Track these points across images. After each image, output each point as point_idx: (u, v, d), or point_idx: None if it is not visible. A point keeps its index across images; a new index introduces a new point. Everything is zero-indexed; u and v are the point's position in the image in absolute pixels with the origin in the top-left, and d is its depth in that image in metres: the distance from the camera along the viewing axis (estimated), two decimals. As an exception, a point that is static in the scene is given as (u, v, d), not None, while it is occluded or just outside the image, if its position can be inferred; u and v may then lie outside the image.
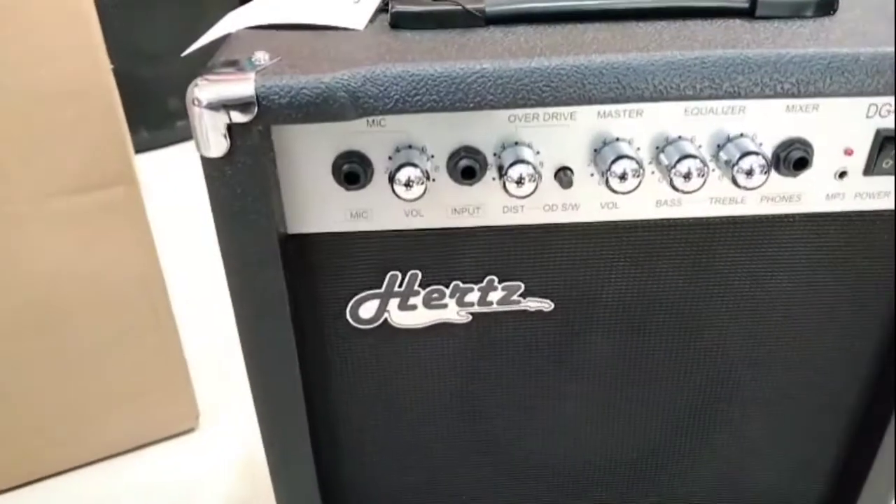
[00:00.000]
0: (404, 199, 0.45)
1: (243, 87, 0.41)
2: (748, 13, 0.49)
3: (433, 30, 0.48)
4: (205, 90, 0.41)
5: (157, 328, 0.80)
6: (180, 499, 0.80)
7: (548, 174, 0.47)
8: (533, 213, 0.49)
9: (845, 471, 0.62)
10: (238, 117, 0.41)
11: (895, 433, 0.57)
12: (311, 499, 0.58)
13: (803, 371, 0.56)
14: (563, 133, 0.46)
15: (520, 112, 0.46)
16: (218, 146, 0.42)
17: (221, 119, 0.41)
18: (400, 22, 0.48)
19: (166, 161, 1.56)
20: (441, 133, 0.46)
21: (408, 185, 0.44)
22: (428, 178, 0.45)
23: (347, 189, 0.46)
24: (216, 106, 0.41)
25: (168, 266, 0.85)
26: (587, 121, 0.46)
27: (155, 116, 1.56)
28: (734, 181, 0.45)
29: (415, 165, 0.44)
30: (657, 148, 0.47)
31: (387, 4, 0.50)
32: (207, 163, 0.43)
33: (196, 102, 0.41)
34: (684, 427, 0.59)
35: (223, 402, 0.90)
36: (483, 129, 0.46)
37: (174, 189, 1.25)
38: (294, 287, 0.49)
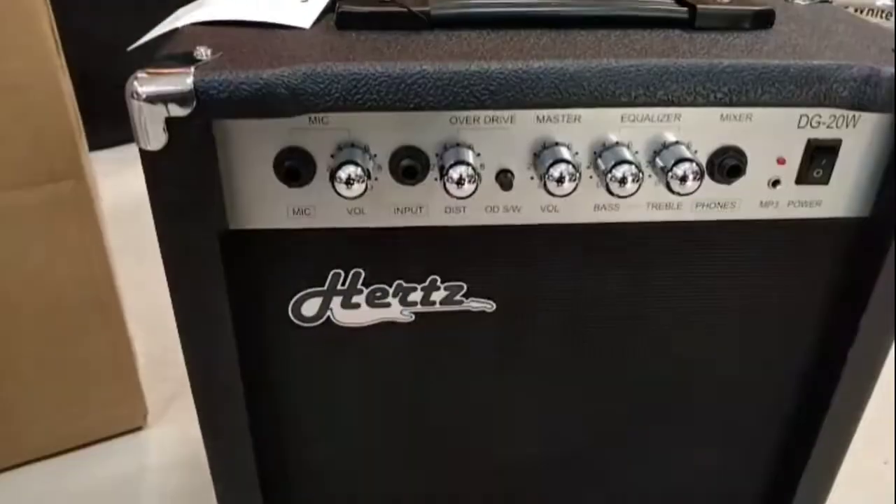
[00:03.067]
0: (345, 197, 0.45)
1: (182, 82, 0.41)
2: (688, 24, 0.51)
3: (378, 31, 0.49)
4: (144, 84, 0.41)
5: (107, 326, 0.79)
6: (127, 497, 0.79)
7: (489, 176, 0.48)
8: (475, 214, 0.50)
9: (782, 468, 0.63)
10: (177, 111, 0.41)
11: (832, 430, 0.59)
12: (252, 498, 0.58)
13: (738, 372, 0.57)
14: (504, 136, 0.47)
15: (461, 114, 0.46)
16: (157, 139, 0.42)
17: (160, 112, 0.41)
18: (346, 22, 0.49)
19: (130, 157, 1.53)
20: (384, 132, 0.47)
21: (348, 182, 0.45)
22: (369, 176, 0.46)
23: (289, 186, 0.47)
24: (155, 99, 0.41)
25: (126, 262, 0.84)
26: (527, 125, 0.47)
27: (119, 111, 1.54)
28: (668, 187, 0.46)
29: (356, 164, 0.45)
30: (595, 153, 0.48)
31: (334, 4, 0.50)
32: (146, 156, 0.43)
33: (135, 96, 0.41)
34: (623, 426, 0.60)
35: (172, 401, 0.89)
36: (425, 130, 0.47)
37: (136, 184, 1.24)
38: (235, 283, 0.49)
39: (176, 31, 0.50)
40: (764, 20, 0.51)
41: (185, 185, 0.44)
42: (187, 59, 0.43)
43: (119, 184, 1.13)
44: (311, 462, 0.59)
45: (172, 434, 0.86)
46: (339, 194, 0.45)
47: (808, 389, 0.59)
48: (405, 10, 0.49)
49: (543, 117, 0.47)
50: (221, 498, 0.58)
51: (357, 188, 0.45)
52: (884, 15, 1.64)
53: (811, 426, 0.59)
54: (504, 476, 0.62)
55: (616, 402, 0.58)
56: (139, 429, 0.87)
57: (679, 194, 0.46)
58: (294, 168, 0.46)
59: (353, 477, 0.61)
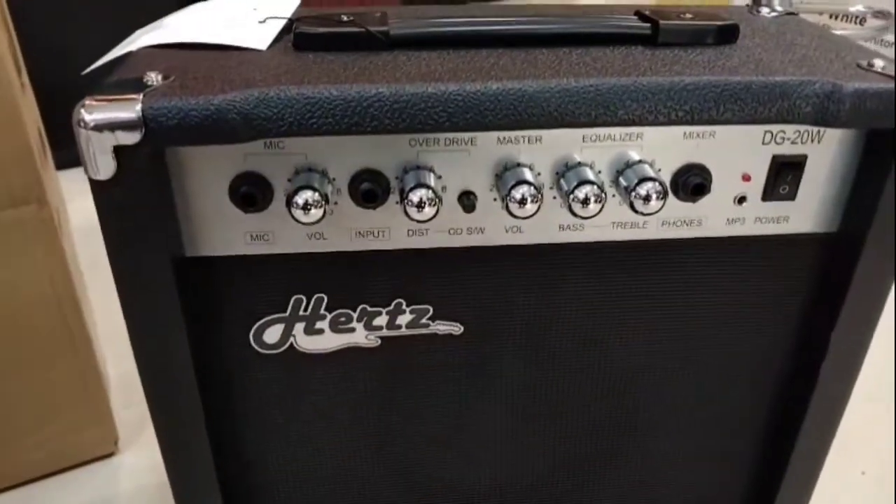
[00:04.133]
0: (303, 223, 0.44)
1: (130, 109, 0.40)
2: (650, 40, 0.50)
3: (336, 52, 0.48)
4: (91, 111, 0.40)
5: (73, 351, 0.77)
6: (96, 526, 0.78)
7: (451, 198, 0.47)
8: (438, 236, 0.49)
9: (756, 491, 0.63)
10: (125, 139, 0.40)
11: (806, 452, 0.58)
12: (219, 527, 0.57)
13: (707, 392, 0.57)
14: (465, 158, 0.46)
15: (420, 136, 0.45)
16: (105, 168, 0.41)
17: (108, 141, 0.40)
18: (302, 43, 0.48)
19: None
20: (342, 156, 0.46)
21: (306, 208, 0.44)
22: (328, 201, 0.45)
23: (245, 212, 0.46)
24: (102, 127, 0.40)
25: (98, 280, 0.82)
26: (488, 146, 0.46)
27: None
28: (632, 207, 0.46)
29: (314, 189, 0.44)
30: (557, 173, 0.47)
31: (292, 25, 0.50)
32: (96, 185, 0.42)
33: (82, 124, 0.40)
34: (594, 448, 0.59)
35: (145, 425, 0.87)
36: (385, 153, 0.46)
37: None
38: (193, 311, 0.48)
39: (130, 55, 0.49)
40: (728, 35, 0.51)
41: (136, 214, 0.43)
42: (137, 86, 0.42)
43: (91, 202, 1.11)
44: (277, 490, 0.58)
45: (144, 460, 0.85)
46: (296, 220, 0.44)
47: (780, 405, 0.58)
48: (363, 30, 0.48)
49: (504, 138, 0.46)
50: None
51: (315, 213, 0.44)
52: (858, 21, 1.65)
53: (785, 441, 0.59)
54: (474, 501, 0.61)
55: (587, 420, 0.58)
56: (111, 455, 0.85)
57: (643, 214, 0.46)
58: (250, 194, 0.45)
59: (319, 503, 0.60)
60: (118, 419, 0.86)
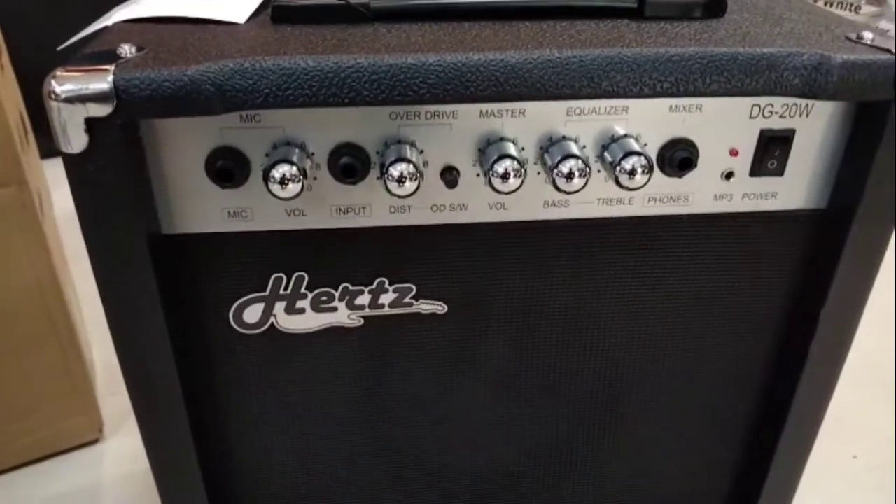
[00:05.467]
0: (280, 198, 0.43)
1: (102, 80, 0.39)
2: (637, 13, 0.49)
3: (315, 25, 0.47)
4: (62, 82, 0.39)
5: (56, 337, 0.76)
6: (82, 513, 0.77)
7: (433, 174, 0.46)
8: (421, 213, 0.48)
9: (745, 471, 0.62)
10: (96, 111, 0.39)
11: (792, 432, 0.58)
12: (201, 511, 0.56)
13: (694, 373, 0.56)
14: (447, 132, 0.45)
15: (401, 109, 0.45)
16: (77, 141, 0.40)
17: (79, 113, 0.39)
18: (281, 16, 0.47)
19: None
20: (321, 130, 0.45)
21: (283, 182, 0.43)
22: (306, 175, 0.44)
23: (222, 187, 0.45)
24: (73, 99, 0.39)
25: (84, 270, 0.81)
26: (470, 120, 0.45)
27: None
28: (617, 181, 0.45)
29: (291, 163, 0.43)
30: (541, 148, 0.46)
31: (271, -2, 0.49)
32: (68, 160, 0.41)
33: (52, 96, 0.39)
34: (580, 430, 0.58)
35: (129, 413, 0.86)
36: (365, 127, 0.45)
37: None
38: (171, 291, 0.47)
39: (105, 30, 0.48)
40: (715, 9, 0.50)
41: (110, 189, 0.42)
42: (109, 57, 0.41)
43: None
44: (260, 473, 0.57)
45: (130, 446, 0.84)
46: (273, 195, 0.43)
47: (769, 385, 0.57)
48: (343, 2, 0.47)
49: (487, 112, 0.45)
50: (170, 513, 0.56)
51: (292, 188, 0.43)
52: (852, 8, 1.65)
53: (774, 422, 0.58)
54: (459, 483, 0.60)
55: (573, 403, 0.57)
56: (95, 442, 0.84)
57: (628, 189, 0.45)
58: (226, 168, 0.44)
59: (304, 489, 0.59)
60: (104, 406, 0.85)
